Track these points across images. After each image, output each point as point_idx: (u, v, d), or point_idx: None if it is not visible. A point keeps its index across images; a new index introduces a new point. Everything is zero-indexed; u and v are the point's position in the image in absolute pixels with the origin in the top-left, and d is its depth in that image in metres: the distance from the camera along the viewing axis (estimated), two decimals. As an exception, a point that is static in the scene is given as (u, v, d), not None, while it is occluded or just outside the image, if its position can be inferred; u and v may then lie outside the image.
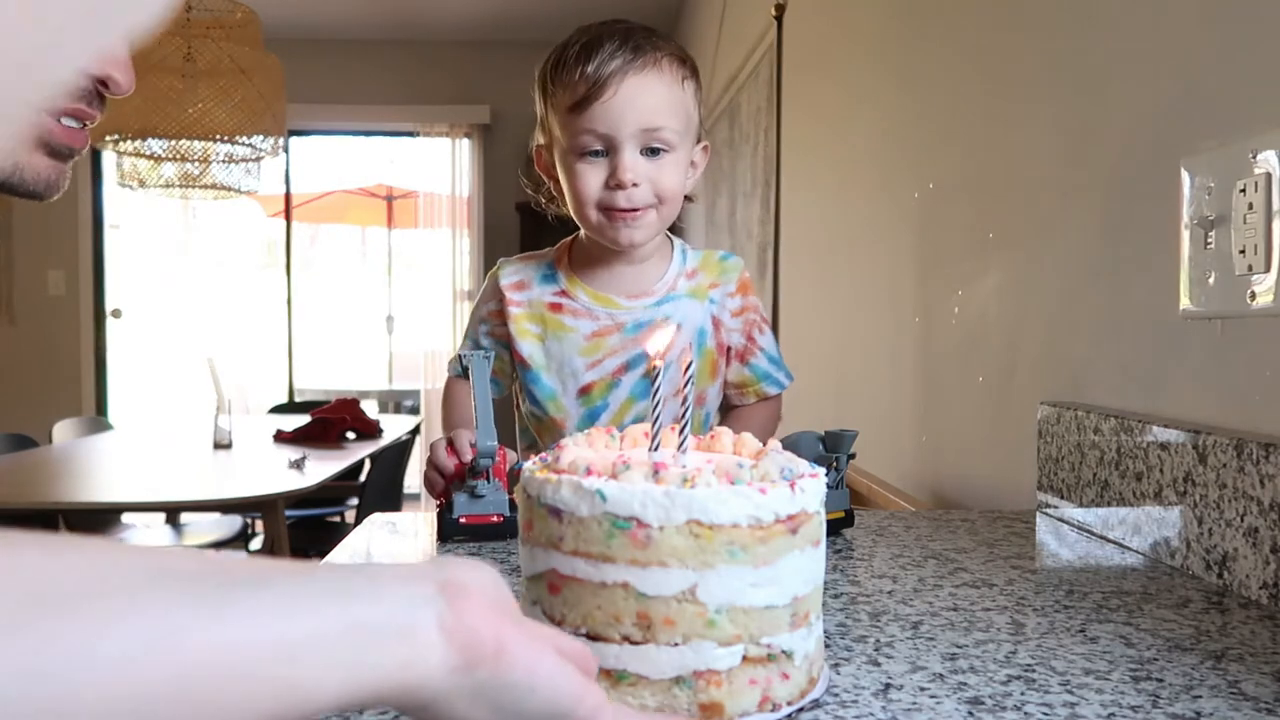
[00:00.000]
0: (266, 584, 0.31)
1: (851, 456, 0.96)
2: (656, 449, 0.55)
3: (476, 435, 0.91)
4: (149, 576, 0.29)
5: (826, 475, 0.90)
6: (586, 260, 1.14)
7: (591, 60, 1.01)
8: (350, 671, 0.31)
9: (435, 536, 0.94)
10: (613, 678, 0.48)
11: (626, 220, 1.04)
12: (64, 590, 0.27)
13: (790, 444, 0.95)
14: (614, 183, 1.02)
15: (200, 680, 0.28)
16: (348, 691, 0.31)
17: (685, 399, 0.55)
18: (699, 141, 1.11)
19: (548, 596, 0.51)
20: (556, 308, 1.12)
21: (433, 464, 0.98)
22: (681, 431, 0.54)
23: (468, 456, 0.94)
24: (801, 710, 0.51)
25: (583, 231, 1.12)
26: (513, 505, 0.90)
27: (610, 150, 1.03)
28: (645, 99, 1.01)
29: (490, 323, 1.16)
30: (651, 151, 1.03)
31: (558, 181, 1.11)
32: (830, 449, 0.95)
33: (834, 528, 0.93)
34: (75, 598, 0.27)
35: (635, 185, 1.02)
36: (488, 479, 0.92)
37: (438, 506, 0.98)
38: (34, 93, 0.20)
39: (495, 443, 0.90)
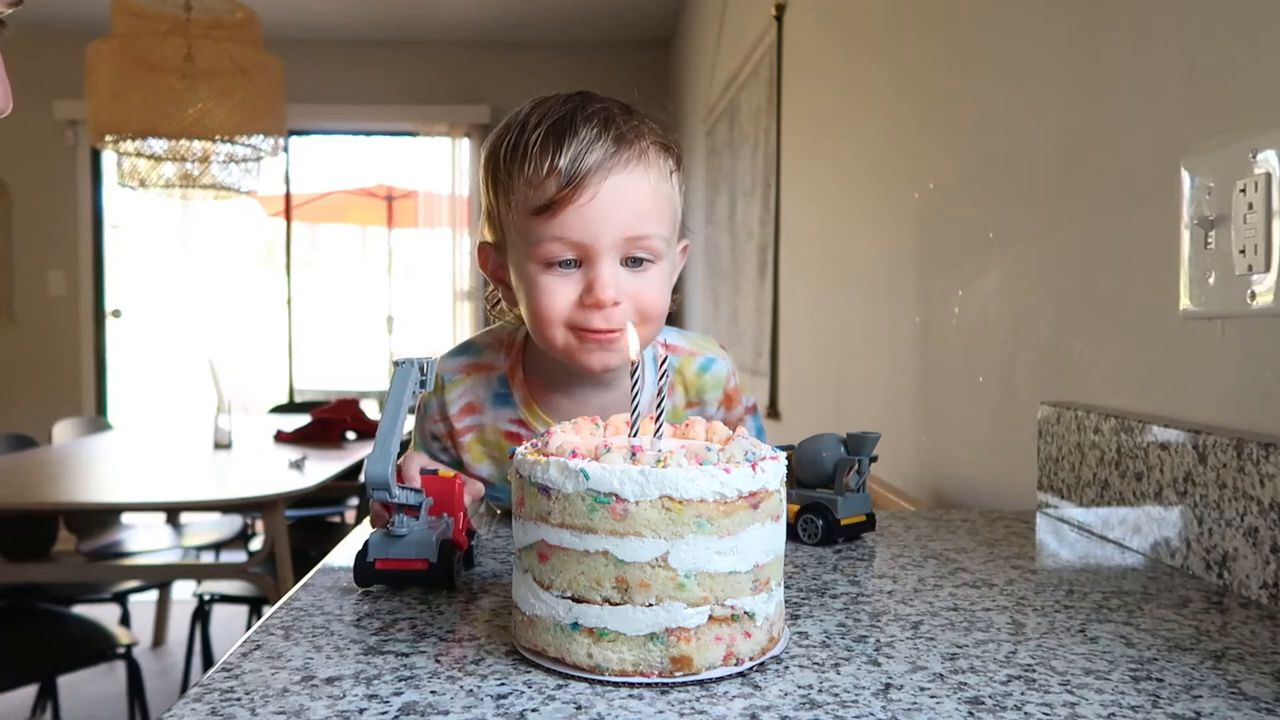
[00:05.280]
0: None
1: (874, 459, 0.94)
2: (635, 435, 0.61)
3: (369, 460, 0.69)
4: None
5: (849, 478, 0.90)
6: (544, 379, 0.97)
7: (563, 151, 0.82)
8: None
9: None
10: (594, 634, 0.55)
11: (601, 343, 0.86)
12: None
13: (812, 445, 0.94)
14: (590, 301, 0.84)
15: None
16: None
17: (661, 391, 0.60)
18: (681, 239, 0.95)
19: (538, 564, 0.57)
20: (514, 437, 0.97)
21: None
22: (658, 420, 0.60)
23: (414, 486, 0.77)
24: (764, 666, 0.57)
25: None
26: (445, 549, 0.73)
27: (584, 261, 0.85)
28: (629, 202, 0.84)
29: (441, 442, 1.01)
30: (634, 262, 0.86)
31: (509, 287, 0.93)
32: (852, 451, 0.92)
33: (856, 531, 0.92)
34: None
35: (616, 304, 0.85)
36: (416, 513, 0.73)
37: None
38: None
39: (388, 470, 0.69)
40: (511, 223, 0.88)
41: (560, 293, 0.86)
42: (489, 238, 0.95)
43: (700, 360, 1.01)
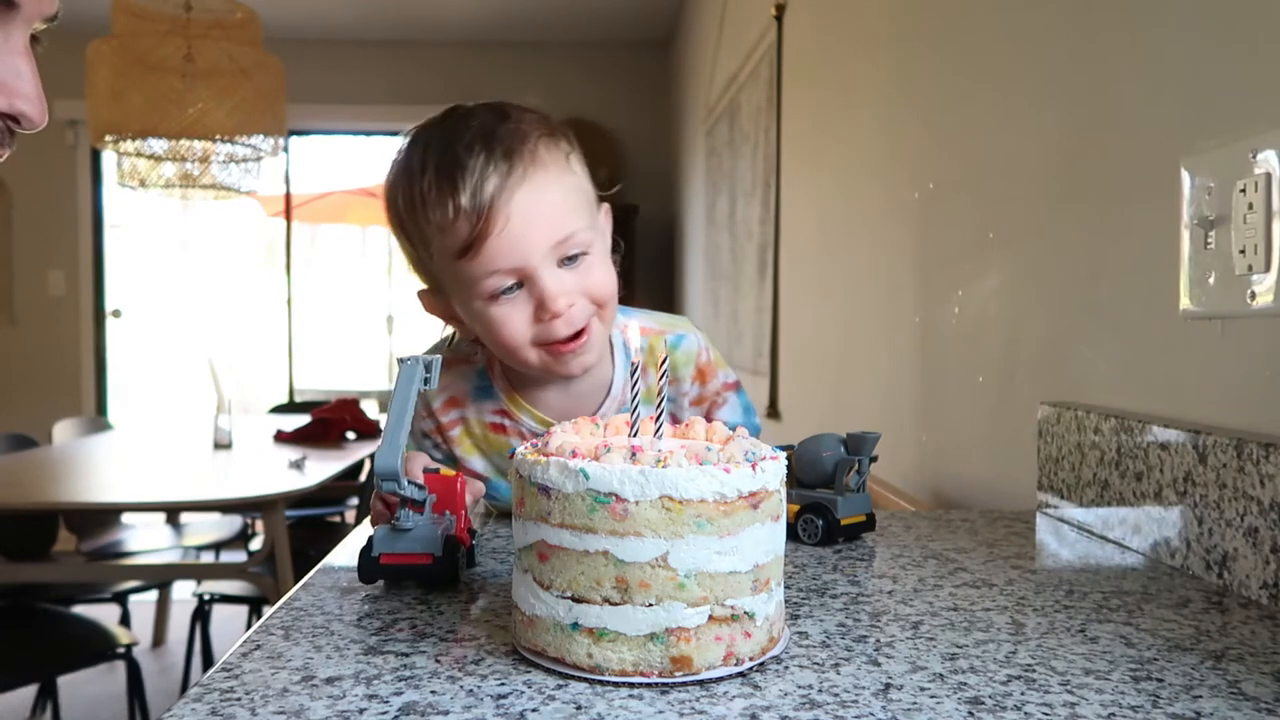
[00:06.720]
0: None
1: (873, 459, 0.94)
2: (635, 435, 0.61)
3: (379, 453, 0.69)
4: None
5: (849, 478, 0.90)
6: (521, 374, 0.98)
7: (460, 190, 0.82)
8: None
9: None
10: (594, 635, 0.54)
11: (573, 352, 0.89)
12: None
13: (812, 445, 0.94)
14: (547, 316, 0.86)
15: None
16: None
17: (661, 391, 0.61)
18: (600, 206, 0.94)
19: (538, 564, 0.57)
20: (499, 429, 0.99)
21: (379, 492, 0.80)
22: (658, 420, 0.60)
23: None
24: (764, 666, 0.57)
25: None
26: (449, 544, 0.73)
27: (525, 281, 0.86)
28: (543, 212, 0.84)
29: (433, 439, 1.02)
30: (569, 260, 0.87)
31: (463, 323, 0.94)
32: (852, 451, 0.92)
33: (856, 531, 0.92)
34: None
35: (571, 306, 0.87)
36: (420, 509, 0.74)
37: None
38: None
39: (397, 462, 0.70)
40: (441, 268, 0.88)
41: (515, 319, 0.87)
42: (424, 284, 0.95)
43: (670, 337, 1.02)
